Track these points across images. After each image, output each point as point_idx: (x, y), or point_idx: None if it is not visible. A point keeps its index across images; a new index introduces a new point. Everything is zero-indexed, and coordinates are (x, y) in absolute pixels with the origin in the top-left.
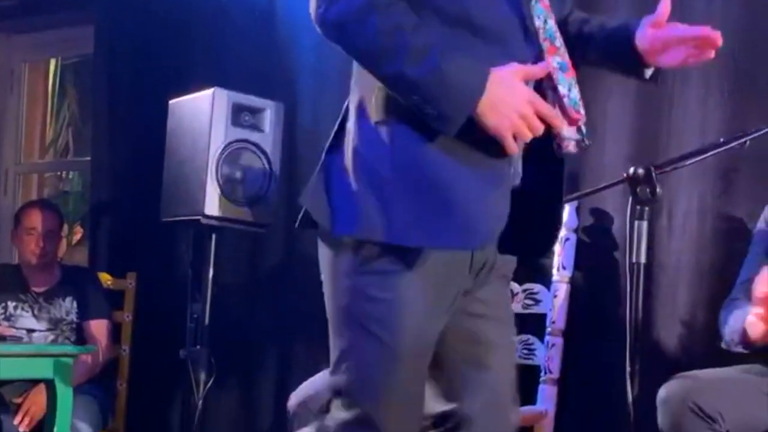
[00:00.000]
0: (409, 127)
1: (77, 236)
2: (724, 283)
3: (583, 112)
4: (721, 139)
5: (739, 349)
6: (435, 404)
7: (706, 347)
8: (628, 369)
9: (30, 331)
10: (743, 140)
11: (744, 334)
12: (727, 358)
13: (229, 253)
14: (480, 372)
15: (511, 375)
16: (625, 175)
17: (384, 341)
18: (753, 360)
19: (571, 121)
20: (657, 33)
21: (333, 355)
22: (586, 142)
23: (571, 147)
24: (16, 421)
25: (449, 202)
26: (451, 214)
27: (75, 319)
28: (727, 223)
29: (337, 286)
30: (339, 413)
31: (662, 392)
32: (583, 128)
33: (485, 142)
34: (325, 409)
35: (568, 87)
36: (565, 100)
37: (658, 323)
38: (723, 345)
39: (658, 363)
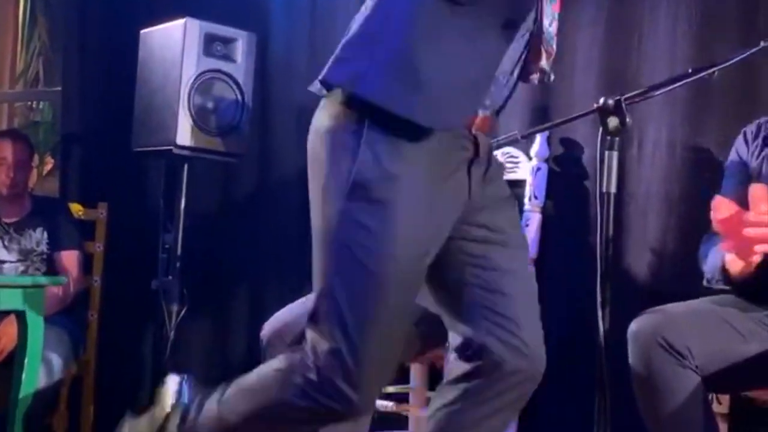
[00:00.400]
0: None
1: (48, 166)
2: (692, 213)
3: (554, 47)
4: (690, 70)
5: (721, 286)
6: (454, 333)
7: (676, 276)
8: (599, 298)
9: (0, 262)
10: (712, 70)
11: (724, 270)
12: (697, 289)
13: (201, 183)
14: (496, 298)
15: (530, 300)
16: (595, 105)
17: (370, 269)
18: (724, 291)
19: (547, 55)
20: None
21: (316, 280)
22: (551, 77)
23: (536, 78)
24: None
25: (429, 81)
26: (430, 92)
27: (46, 250)
28: (696, 154)
29: (327, 210)
30: (315, 343)
31: (632, 328)
32: (551, 63)
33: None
34: (298, 340)
35: (549, 20)
36: (545, 34)
37: (629, 252)
38: (704, 282)
39: (629, 292)
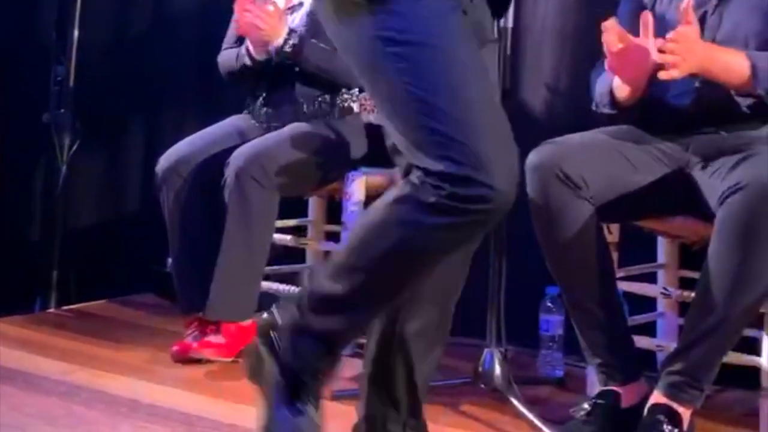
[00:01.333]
0: None
1: None
2: (586, 48)
3: None
4: None
5: (607, 110)
6: None
7: (569, 110)
8: None
9: None
10: None
11: (612, 95)
12: (590, 120)
13: (95, 14)
14: None
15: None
16: None
17: (431, 46)
18: (618, 121)
19: None
20: None
21: (393, 115)
22: None
23: None
24: None
25: None
26: None
27: None
28: None
29: (360, 42)
30: (426, 158)
31: (530, 159)
32: None
33: None
34: (194, 175)
35: None
36: None
37: (525, 85)
38: (593, 107)
39: (524, 126)
